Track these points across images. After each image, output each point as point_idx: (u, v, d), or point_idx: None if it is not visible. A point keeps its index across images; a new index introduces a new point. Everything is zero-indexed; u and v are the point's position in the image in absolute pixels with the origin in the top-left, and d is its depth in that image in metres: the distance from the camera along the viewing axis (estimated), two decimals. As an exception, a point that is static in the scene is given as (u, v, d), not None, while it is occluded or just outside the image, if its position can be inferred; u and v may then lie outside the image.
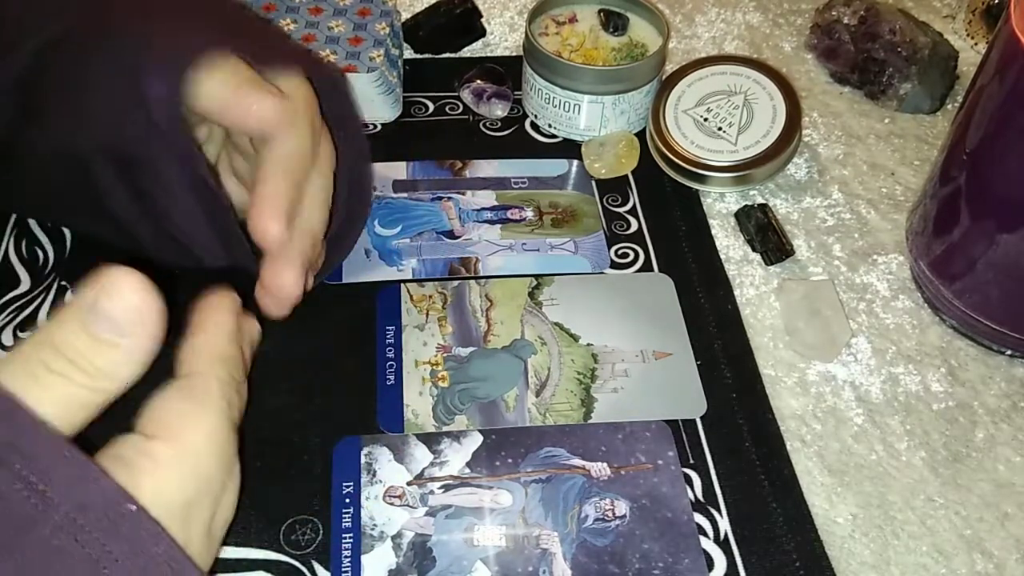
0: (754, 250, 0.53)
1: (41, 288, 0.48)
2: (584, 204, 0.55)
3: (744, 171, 0.55)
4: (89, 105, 0.39)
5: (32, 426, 0.25)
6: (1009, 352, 0.49)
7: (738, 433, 0.44)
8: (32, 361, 0.26)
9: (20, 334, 0.46)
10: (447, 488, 0.42)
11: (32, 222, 0.51)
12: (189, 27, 0.39)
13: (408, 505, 0.41)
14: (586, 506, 0.41)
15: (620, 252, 0.52)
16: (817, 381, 0.47)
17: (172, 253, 0.42)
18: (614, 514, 0.41)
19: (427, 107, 0.60)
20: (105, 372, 0.27)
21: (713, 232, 0.54)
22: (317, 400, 0.45)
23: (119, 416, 0.29)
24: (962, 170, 0.46)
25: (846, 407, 0.46)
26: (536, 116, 0.59)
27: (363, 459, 0.42)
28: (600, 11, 0.60)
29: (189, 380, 0.31)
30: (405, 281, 0.50)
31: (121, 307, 0.26)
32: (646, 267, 0.52)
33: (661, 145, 0.56)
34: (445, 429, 0.44)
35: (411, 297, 0.49)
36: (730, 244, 0.53)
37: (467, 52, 0.65)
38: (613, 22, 0.59)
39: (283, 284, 0.40)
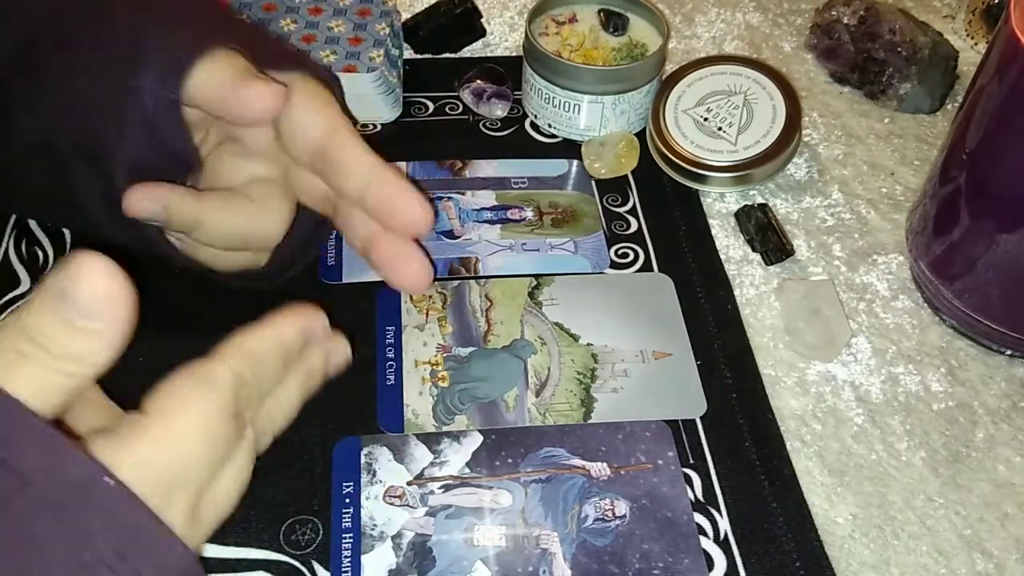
0: (754, 250, 0.53)
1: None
2: (584, 204, 0.55)
3: (744, 171, 0.55)
4: (76, 93, 0.39)
5: (7, 407, 0.25)
6: (1009, 352, 0.49)
7: (738, 433, 0.44)
8: (4, 348, 0.26)
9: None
10: (447, 488, 0.42)
11: (32, 222, 0.51)
12: (185, 21, 0.39)
13: (408, 505, 0.41)
14: (586, 506, 0.41)
15: (620, 252, 0.52)
16: (817, 381, 0.47)
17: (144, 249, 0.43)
18: (614, 514, 0.41)
19: (427, 107, 0.60)
20: (77, 357, 0.27)
21: (713, 232, 0.54)
22: (317, 400, 0.45)
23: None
24: (962, 170, 0.46)
25: (846, 407, 0.46)
26: (536, 116, 0.59)
27: (363, 459, 0.42)
28: (600, 11, 0.60)
29: (202, 363, 0.31)
30: (405, 281, 0.50)
31: (90, 292, 0.26)
32: (646, 267, 0.52)
33: (661, 145, 0.56)
34: (445, 429, 0.44)
35: (411, 297, 0.49)
36: (730, 244, 0.53)
37: (467, 52, 0.65)
38: (613, 22, 0.59)
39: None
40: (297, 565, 0.39)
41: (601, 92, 0.56)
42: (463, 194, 0.55)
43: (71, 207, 0.42)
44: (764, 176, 0.55)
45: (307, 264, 0.48)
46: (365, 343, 0.47)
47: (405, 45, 0.64)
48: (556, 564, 0.39)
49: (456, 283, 0.50)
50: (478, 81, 0.60)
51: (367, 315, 0.48)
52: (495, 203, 0.54)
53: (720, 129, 0.56)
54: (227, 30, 0.41)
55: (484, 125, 0.59)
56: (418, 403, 0.45)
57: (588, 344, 0.48)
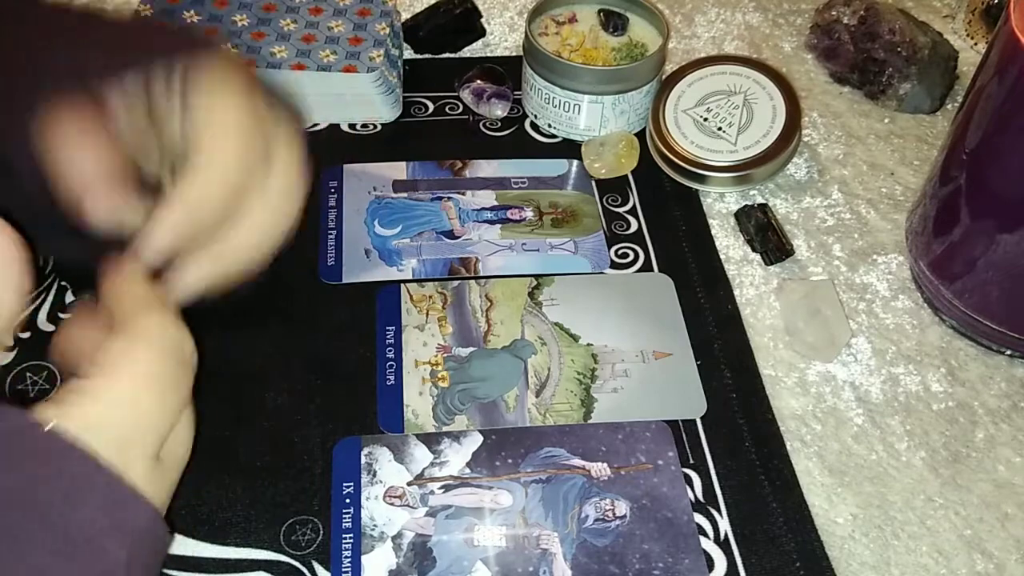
0: (754, 250, 0.53)
1: (41, 288, 0.48)
2: (584, 204, 0.55)
3: (744, 171, 0.55)
4: None
5: None
6: (1009, 352, 0.49)
7: (738, 433, 0.44)
8: None
9: (20, 334, 0.46)
10: (447, 488, 0.42)
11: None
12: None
13: (408, 505, 0.41)
14: (586, 506, 0.41)
15: (620, 252, 0.52)
16: (817, 381, 0.47)
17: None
18: (614, 514, 0.41)
19: (427, 107, 0.60)
20: None
21: (713, 232, 0.54)
22: (317, 400, 0.45)
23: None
24: (962, 170, 0.46)
25: (846, 407, 0.46)
26: (536, 116, 0.59)
27: (363, 459, 0.42)
28: (600, 11, 0.60)
29: (124, 322, 0.31)
30: (405, 281, 0.50)
31: None
32: (646, 267, 0.52)
33: (661, 145, 0.56)
34: (445, 429, 0.44)
35: (411, 297, 0.49)
36: (730, 244, 0.53)
37: (467, 52, 0.65)
38: (613, 22, 0.59)
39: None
40: (297, 565, 0.39)
41: (601, 92, 0.56)
42: (463, 194, 0.55)
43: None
44: (764, 176, 0.55)
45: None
46: (365, 343, 0.47)
47: (405, 45, 0.64)
48: (556, 564, 0.39)
49: (456, 283, 0.50)
50: (478, 81, 0.60)
51: (367, 315, 0.48)
52: (495, 203, 0.54)
53: (720, 129, 0.56)
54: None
55: (484, 125, 0.59)
56: (418, 403, 0.45)
57: (588, 344, 0.48)
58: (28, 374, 0.45)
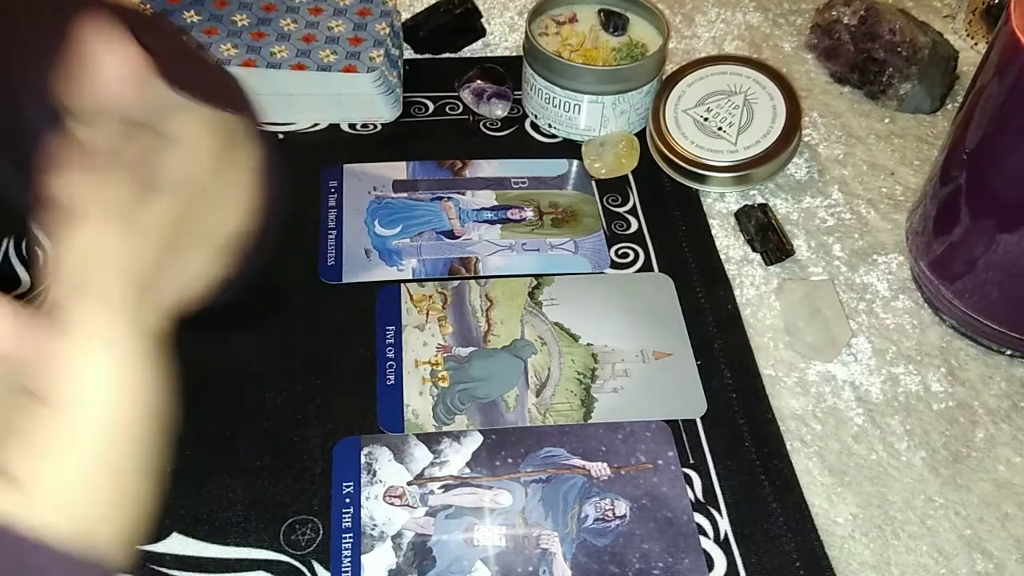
0: (754, 250, 0.53)
1: (41, 288, 0.48)
2: (584, 204, 0.55)
3: (744, 171, 0.55)
4: None
5: None
6: (1009, 352, 0.49)
7: (738, 433, 0.44)
8: None
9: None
10: (447, 488, 0.42)
11: (32, 223, 0.51)
12: None
13: (408, 505, 0.41)
14: (586, 506, 0.41)
15: (620, 252, 0.52)
16: (817, 381, 0.47)
17: None
18: (614, 514, 0.41)
19: (427, 107, 0.60)
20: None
21: (713, 232, 0.54)
22: (317, 400, 0.45)
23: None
24: (962, 170, 0.46)
25: (846, 407, 0.46)
26: (536, 116, 0.59)
27: (363, 459, 0.42)
28: (600, 11, 0.60)
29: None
30: (405, 281, 0.50)
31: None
32: (646, 267, 0.52)
33: (661, 145, 0.56)
34: (445, 429, 0.44)
35: (411, 297, 0.49)
36: (730, 244, 0.53)
37: (467, 52, 0.65)
38: (613, 22, 0.59)
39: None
40: (297, 565, 0.39)
41: (601, 92, 0.56)
42: (463, 194, 0.55)
43: None
44: (764, 176, 0.55)
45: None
46: (365, 343, 0.47)
47: (405, 45, 0.64)
48: (556, 564, 0.39)
49: (456, 283, 0.50)
50: (478, 81, 0.60)
51: (367, 315, 0.48)
52: (495, 203, 0.54)
53: (720, 129, 0.56)
54: None
55: (484, 125, 0.59)
56: (418, 403, 0.45)
57: (588, 344, 0.48)
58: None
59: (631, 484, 0.42)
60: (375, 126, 0.59)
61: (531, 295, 0.50)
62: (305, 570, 0.39)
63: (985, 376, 0.48)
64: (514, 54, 0.65)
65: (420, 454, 0.43)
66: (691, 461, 0.43)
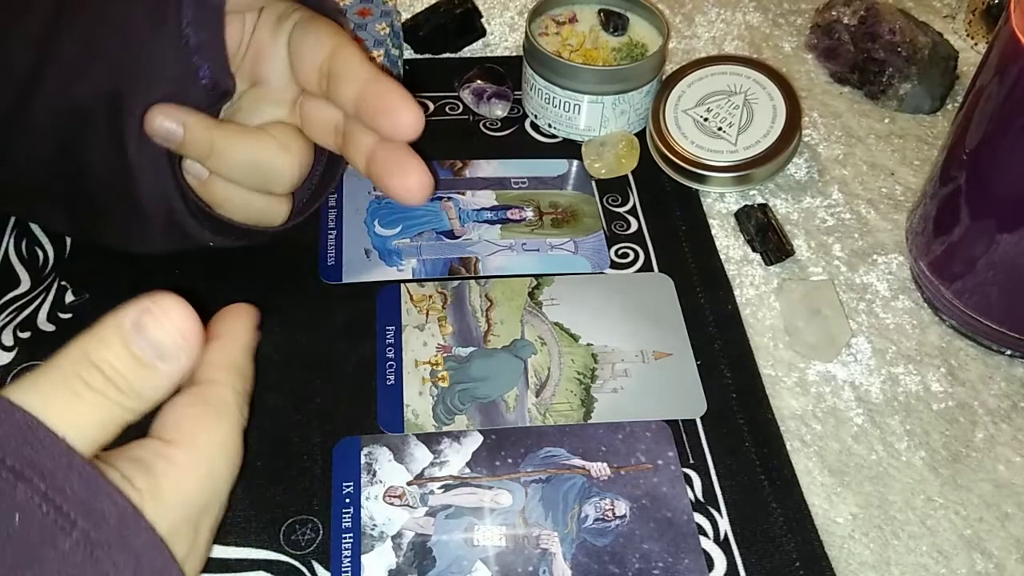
0: (754, 250, 0.53)
1: (41, 288, 0.48)
2: (584, 204, 0.55)
3: (744, 171, 0.55)
4: (108, 37, 0.39)
5: (51, 443, 0.25)
6: (1009, 352, 0.49)
7: (738, 433, 0.44)
8: (71, 376, 0.26)
9: (20, 334, 0.46)
10: (447, 488, 0.42)
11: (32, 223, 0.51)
12: None
13: (408, 505, 0.41)
14: (586, 506, 0.41)
15: (620, 252, 0.52)
16: (817, 381, 0.47)
17: (128, 234, 0.43)
18: (614, 514, 0.41)
19: (427, 107, 0.60)
20: (141, 393, 0.27)
21: (713, 232, 0.54)
22: (317, 400, 0.45)
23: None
24: (962, 170, 0.46)
25: (846, 407, 0.46)
26: (536, 116, 0.59)
27: (363, 459, 0.42)
28: (600, 11, 0.60)
29: (206, 388, 0.31)
30: (405, 281, 0.50)
31: (168, 332, 0.27)
32: (646, 267, 0.52)
33: (661, 145, 0.56)
34: (445, 429, 0.44)
35: (411, 297, 0.49)
36: (730, 244, 0.53)
37: (467, 52, 0.65)
38: (613, 22, 0.59)
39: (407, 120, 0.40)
40: (297, 565, 0.39)
41: (601, 92, 0.56)
42: (463, 194, 0.55)
43: (71, 178, 0.42)
44: (764, 176, 0.55)
45: (312, 213, 0.48)
46: (365, 343, 0.47)
47: (405, 45, 0.64)
48: (556, 564, 0.39)
49: (456, 283, 0.50)
50: (478, 81, 0.60)
51: (367, 315, 0.48)
52: (495, 203, 0.54)
53: (720, 129, 0.56)
54: None
55: (484, 125, 0.59)
56: (418, 403, 0.45)
57: (588, 344, 0.48)
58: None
59: (631, 484, 0.42)
60: (375, 126, 0.59)
61: (531, 295, 0.50)
62: (305, 570, 0.39)
63: (985, 376, 0.48)
64: (514, 54, 0.65)
65: (420, 454, 0.43)
66: (691, 461, 0.43)
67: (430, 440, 0.43)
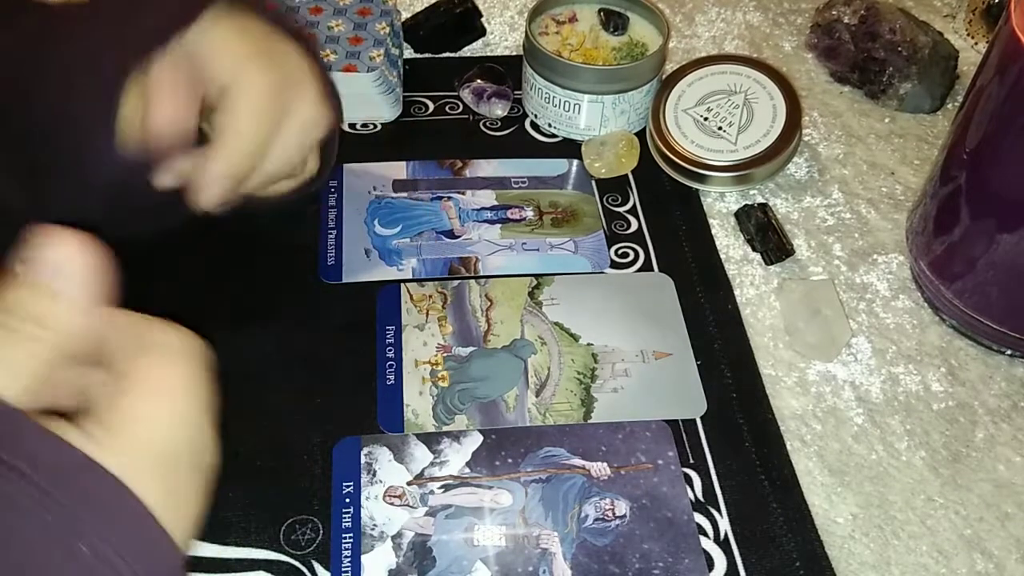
0: (754, 250, 0.53)
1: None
2: (584, 204, 0.55)
3: (744, 171, 0.55)
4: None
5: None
6: (1009, 352, 0.49)
7: (738, 433, 0.44)
8: None
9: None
10: (447, 488, 0.42)
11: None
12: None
13: (408, 505, 0.41)
14: (586, 506, 0.41)
15: (620, 252, 0.52)
16: (817, 381, 0.47)
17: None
18: (614, 514, 0.41)
19: (427, 107, 0.60)
20: (55, 322, 0.27)
21: (713, 232, 0.54)
22: (317, 400, 0.45)
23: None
24: (962, 170, 0.46)
25: (846, 407, 0.46)
26: (536, 116, 0.59)
27: (363, 459, 0.42)
28: (600, 11, 0.60)
29: (144, 335, 0.31)
30: (405, 281, 0.50)
31: (57, 255, 0.27)
32: (646, 267, 0.52)
33: (661, 145, 0.56)
34: (445, 429, 0.44)
35: (411, 297, 0.49)
36: (730, 244, 0.53)
37: (467, 52, 0.65)
38: (613, 22, 0.59)
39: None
40: (297, 565, 0.39)
41: (601, 92, 0.56)
42: (463, 194, 0.55)
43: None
44: (764, 176, 0.55)
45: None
46: (365, 343, 0.47)
47: (405, 44, 0.64)
48: (556, 564, 0.39)
49: (456, 283, 0.50)
50: (478, 80, 0.60)
51: (367, 315, 0.48)
52: (495, 203, 0.54)
53: (720, 129, 0.56)
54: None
55: (484, 125, 0.59)
56: (418, 403, 0.45)
57: (588, 344, 0.48)
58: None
59: (631, 484, 0.42)
60: (375, 126, 0.59)
61: (531, 295, 0.50)
62: (305, 570, 0.39)
63: (985, 376, 0.48)
64: (514, 54, 0.65)
65: (420, 454, 0.43)
66: (691, 461, 0.43)
67: (430, 440, 0.43)
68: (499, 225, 0.53)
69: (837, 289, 0.50)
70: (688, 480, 0.42)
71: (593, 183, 0.56)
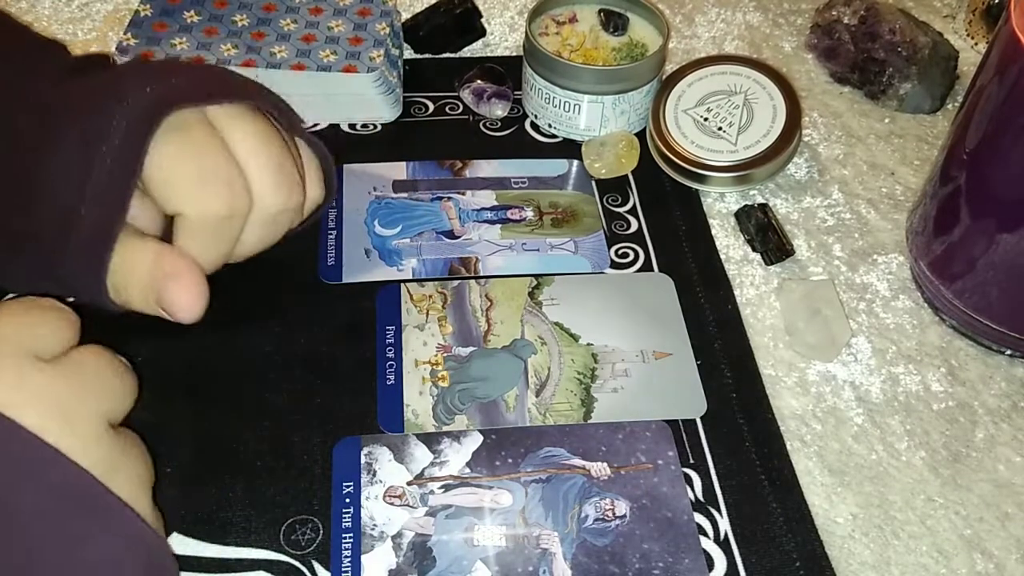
0: (754, 250, 0.53)
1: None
2: (584, 204, 0.55)
3: (744, 171, 0.55)
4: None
5: None
6: (1009, 352, 0.49)
7: (738, 433, 0.44)
8: None
9: None
10: (447, 488, 0.42)
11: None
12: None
13: (408, 505, 0.41)
14: (586, 506, 0.41)
15: (620, 252, 0.52)
16: (817, 381, 0.47)
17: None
18: (614, 514, 0.41)
19: (427, 107, 0.60)
20: None
21: (713, 232, 0.54)
22: (317, 400, 0.45)
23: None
24: (962, 170, 0.46)
25: (846, 407, 0.46)
26: (536, 116, 0.59)
27: (363, 459, 0.42)
28: (600, 11, 0.60)
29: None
30: (405, 281, 0.50)
31: None
32: (646, 267, 0.52)
33: (661, 145, 0.56)
34: (445, 429, 0.44)
35: (411, 297, 0.49)
36: (730, 244, 0.53)
37: (467, 52, 0.65)
38: (613, 22, 0.59)
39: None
40: (297, 565, 0.39)
41: (601, 92, 0.56)
42: (463, 194, 0.55)
43: None
44: (764, 176, 0.55)
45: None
46: (365, 343, 0.47)
47: (405, 45, 0.64)
48: (556, 564, 0.39)
49: (456, 283, 0.50)
50: (478, 81, 0.60)
51: (367, 315, 0.48)
52: (495, 203, 0.54)
53: (720, 129, 0.56)
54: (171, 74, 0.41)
55: (484, 125, 0.59)
56: (418, 403, 0.45)
57: (588, 344, 0.48)
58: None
59: (631, 484, 0.42)
60: (375, 126, 0.59)
61: (531, 295, 0.50)
62: (305, 570, 0.39)
63: (985, 376, 0.48)
64: (514, 54, 0.65)
65: (420, 454, 0.43)
66: (691, 461, 0.43)
67: (430, 440, 0.43)
68: (499, 225, 0.53)
69: (837, 289, 0.50)
70: (688, 480, 0.42)
71: (593, 183, 0.56)
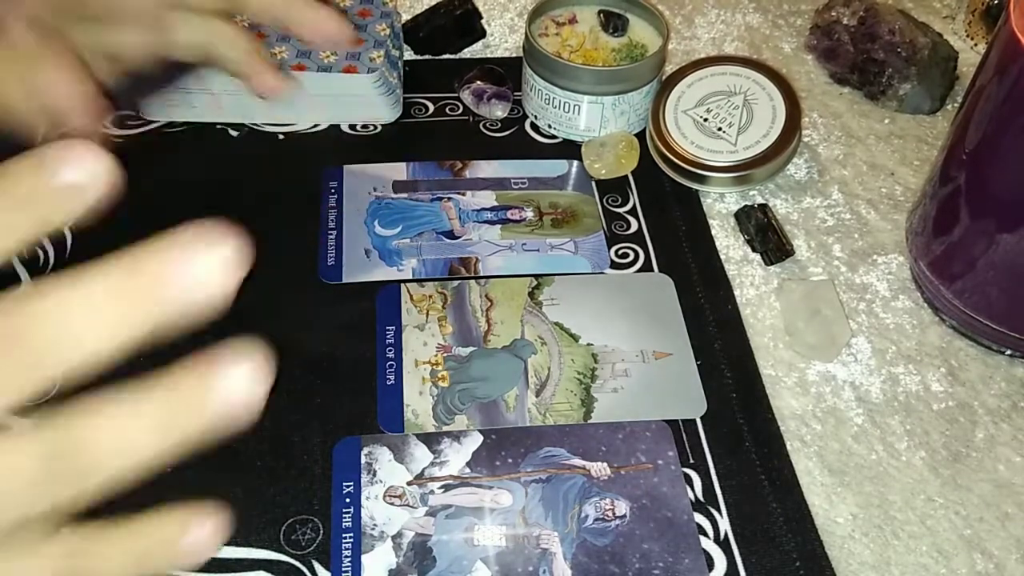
0: (754, 250, 0.53)
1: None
2: (584, 204, 0.55)
3: (744, 171, 0.55)
4: None
5: None
6: (1009, 352, 0.49)
7: (738, 433, 0.44)
8: None
9: None
10: (447, 488, 0.42)
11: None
12: None
13: (408, 505, 0.41)
14: (586, 506, 0.41)
15: (620, 252, 0.52)
16: (817, 381, 0.47)
17: None
18: (614, 514, 0.41)
19: (427, 108, 0.60)
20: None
21: (713, 232, 0.54)
22: (317, 400, 0.45)
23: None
24: (962, 170, 0.46)
25: (846, 407, 0.46)
26: (536, 117, 0.59)
27: (363, 459, 0.42)
28: (600, 12, 0.60)
29: None
30: (405, 281, 0.50)
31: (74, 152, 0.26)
32: (646, 267, 0.52)
33: (661, 145, 0.56)
34: (445, 429, 0.44)
35: (411, 297, 0.49)
36: (730, 244, 0.53)
37: (467, 53, 0.65)
38: (613, 23, 0.59)
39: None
40: (297, 565, 0.39)
41: (601, 93, 0.56)
42: (463, 194, 0.55)
43: None
44: (764, 176, 0.56)
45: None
46: (365, 343, 0.47)
47: (405, 46, 0.64)
48: (556, 564, 0.39)
49: (456, 283, 0.50)
50: (478, 82, 0.60)
51: (367, 315, 0.48)
52: (495, 203, 0.54)
53: (720, 129, 0.56)
54: None
55: (484, 126, 0.59)
56: (418, 403, 0.45)
57: (588, 344, 0.48)
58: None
59: (631, 484, 0.42)
60: (375, 127, 0.59)
61: (531, 295, 0.50)
62: (305, 570, 0.39)
63: (985, 376, 0.48)
64: (514, 55, 0.65)
65: (420, 454, 0.43)
66: (691, 461, 0.43)
67: (430, 440, 0.43)
68: (499, 225, 0.53)
69: (837, 289, 0.50)
70: (688, 480, 0.42)
71: (593, 184, 0.56)
